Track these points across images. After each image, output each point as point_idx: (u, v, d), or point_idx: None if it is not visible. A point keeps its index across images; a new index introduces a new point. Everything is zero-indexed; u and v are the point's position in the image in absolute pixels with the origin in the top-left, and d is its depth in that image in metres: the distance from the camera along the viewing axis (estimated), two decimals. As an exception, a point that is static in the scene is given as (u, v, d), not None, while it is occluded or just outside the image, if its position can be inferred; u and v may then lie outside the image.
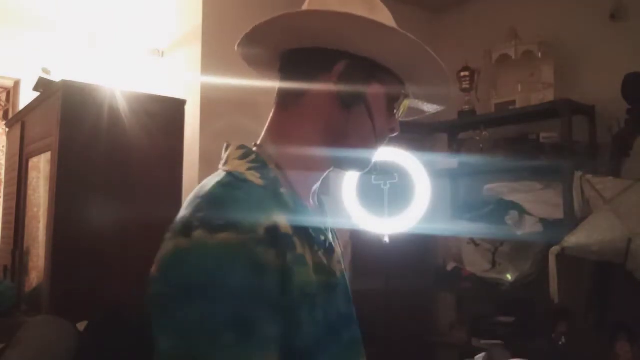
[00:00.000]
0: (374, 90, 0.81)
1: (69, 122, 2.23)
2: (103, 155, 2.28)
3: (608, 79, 2.46)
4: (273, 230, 0.65)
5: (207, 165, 2.70)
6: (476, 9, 3.31)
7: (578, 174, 2.25)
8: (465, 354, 2.94)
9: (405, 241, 2.43)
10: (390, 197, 2.39)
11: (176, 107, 2.56)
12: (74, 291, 2.14)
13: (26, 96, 2.94)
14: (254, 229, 0.63)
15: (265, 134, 0.83)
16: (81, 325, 1.98)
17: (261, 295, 0.61)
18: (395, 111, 0.85)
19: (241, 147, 0.78)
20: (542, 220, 2.53)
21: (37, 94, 2.55)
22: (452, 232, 2.99)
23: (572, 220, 2.29)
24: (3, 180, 3.19)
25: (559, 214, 2.45)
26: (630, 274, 2.06)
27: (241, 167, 0.74)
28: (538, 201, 2.59)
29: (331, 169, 0.85)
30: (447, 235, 3.05)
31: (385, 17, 0.82)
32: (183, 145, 2.55)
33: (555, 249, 2.16)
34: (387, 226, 2.37)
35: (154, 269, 0.66)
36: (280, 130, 0.81)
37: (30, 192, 2.64)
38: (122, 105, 2.33)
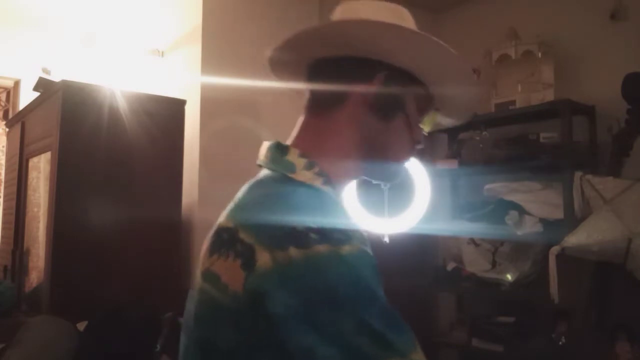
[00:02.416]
0: (410, 101, 0.82)
1: (69, 122, 2.24)
2: (103, 155, 2.28)
3: (608, 79, 2.46)
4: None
5: (207, 165, 2.70)
6: (476, 9, 3.31)
7: (578, 174, 2.25)
8: (465, 354, 2.95)
9: (405, 241, 2.43)
10: (390, 197, 2.38)
11: (176, 107, 2.57)
12: (74, 291, 2.14)
13: (26, 96, 2.94)
14: (364, 240, 0.68)
15: (299, 138, 0.82)
16: (81, 325, 1.98)
17: (382, 294, 0.65)
18: (420, 124, 0.86)
19: (302, 155, 0.77)
20: (542, 220, 2.53)
21: (37, 94, 2.55)
22: (452, 232, 2.99)
23: (572, 220, 2.29)
24: (3, 180, 3.19)
25: (559, 214, 2.45)
26: (630, 274, 2.06)
27: (315, 180, 0.75)
28: (538, 201, 2.58)
29: (357, 179, 0.85)
30: (447, 235, 3.05)
31: (414, 27, 0.83)
32: (183, 145, 2.55)
33: (555, 249, 2.16)
34: (387, 226, 2.37)
35: (236, 275, 0.64)
36: (315, 137, 0.81)
37: (30, 192, 2.64)
38: (122, 105, 2.33)
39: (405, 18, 0.83)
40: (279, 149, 0.79)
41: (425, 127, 0.87)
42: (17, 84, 3.32)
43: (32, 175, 2.65)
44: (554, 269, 2.14)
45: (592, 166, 2.45)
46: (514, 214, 2.58)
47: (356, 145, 0.80)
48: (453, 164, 2.97)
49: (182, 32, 2.97)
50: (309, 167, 0.76)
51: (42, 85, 2.49)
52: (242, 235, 0.66)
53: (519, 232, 2.54)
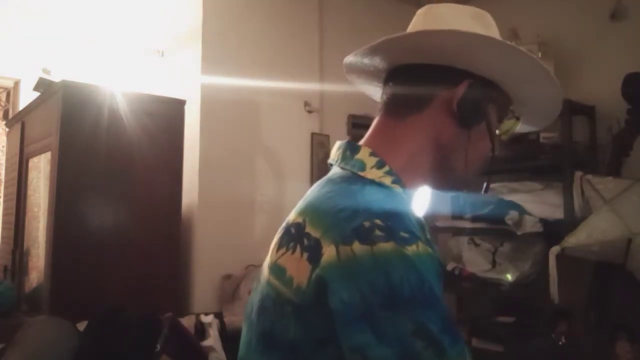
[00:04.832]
0: (492, 110, 0.81)
1: (69, 122, 2.24)
2: (103, 155, 2.28)
3: (608, 79, 2.46)
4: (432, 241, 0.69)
5: (206, 165, 2.70)
6: (476, 9, 3.31)
7: (578, 174, 2.25)
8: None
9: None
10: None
11: (176, 107, 2.56)
12: (74, 291, 2.14)
13: (26, 96, 2.94)
14: (429, 241, 0.67)
15: (372, 138, 0.82)
16: (81, 325, 1.98)
17: (442, 299, 0.64)
18: (498, 132, 0.85)
19: (372, 154, 0.77)
20: (542, 220, 2.53)
21: (37, 94, 2.55)
22: (453, 232, 2.99)
23: (572, 220, 2.29)
24: (3, 180, 3.19)
25: (559, 214, 2.45)
26: (630, 274, 2.06)
27: (385, 179, 0.75)
28: (538, 201, 2.58)
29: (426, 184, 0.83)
30: (447, 235, 3.05)
31: (497, 33, 0.83)
32: (183, 145, 2.55)
33: (555, 249, 2.15)
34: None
35: (302, 269, 0.65)
36: (391, 139, 0.80)
37: (30, 192, 2.64)
38: (122, 105, 2.33)
39: (488, 23, 0.83)
40: (349, 148, 0.79)
41: (504, 135, 0.86)
42: (17, 84, 3.32)
43: (32, 175, 2.65)
44: (554, 269, 2.14)
45: (592, 166, 2.46)
46: (514, 214, 2.58)
47: (431, 151, 0.79)
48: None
49: (182, 32, 2.97)
50: (379, 165, 0.76)
51: (42, 85, 2.49)
52: (309, 229, 0.67)
53: (519, 232, 2.54)
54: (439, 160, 0.80)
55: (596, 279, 2.19)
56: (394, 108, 0.82)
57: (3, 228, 2.97)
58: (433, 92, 0.79)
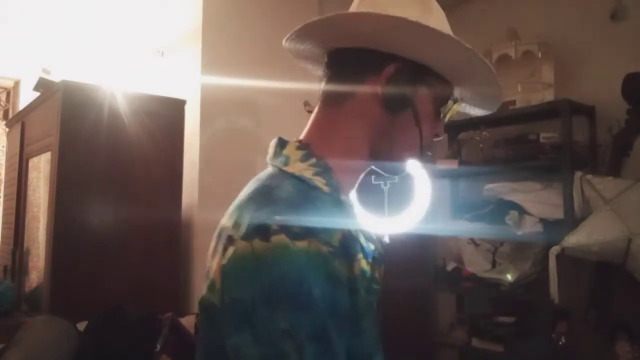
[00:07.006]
0: (422, 94, 0.79)
1: (69, 122, 2.24)
2: (103, 155, 2.28)
3: (608, 79, 2.46)
4: (344, 241, 0.67)
5: (206, 165, 2.70)
6: (476, 9, 3.30)
7: (578, 174, 2.25)
8: (465, 354, 2.95)
9: (405, 241, 2.43)
10: (391, 197, 2.38)
11: (176, 107, 2.57)
12: (74, 291, 2.14)
13: (26, 96, 2.94)
14: (330, 240, 0.65)
15: (310, 130, 0.81)
16: (81, 325, 1.98)
17: (334, 307, 0.62)
18: (441, 116, 0.83)
19: (300, 147, 0.76)
20: (542, 220, 2.53)
21: (37, 94, 2.55)
22: (452, 232, 2.99)
23: (572, 220, 2.29)
24: (3, 180, 3.19)
25: (559, 214, 2.45)
26: (630, 274, 2.06)
27: (307, 171, 0.74)
28: (538, 201, 2.58)
29: (366, 171, 0.83)
30: (447, 235, 3.05)
31: (439, 18, 0.81)
32: (183, 145, 2.55)
33: (555, 249, 2.15)
34: (387, 226, 2.37)
35: (217, 268, 0.64)
36: (325, 130, 0.79)
37: (30, 192, 2.64)
38: (122, 105, 2.33)
39: (429, 8, 0.80)
40: (279, 144, 0.78)
41: (445, 118, 0.85)
42: (17, 84, 3.32)
43: (32, 175, 2.65)
44: (554, 269, 2.14)
45: (592, 166, 2.45)
46: (514, 214, 2.58)
47: (364, 139, 0.79)
48: (453, 164, 2.96)
49: (182, 32, 2.97)
50: (304, 158, 0.75)
51: (42, 85, 2.49)
52: (230, 231, 0.67)
53: (519, 232, 2.54)
54: (372, 147, 0.79)
55: (596, 279, 2.19)
56: (329, 96, 0.81)
57: (3, 228, 2.97)
58: (361, 77, 0.78)
